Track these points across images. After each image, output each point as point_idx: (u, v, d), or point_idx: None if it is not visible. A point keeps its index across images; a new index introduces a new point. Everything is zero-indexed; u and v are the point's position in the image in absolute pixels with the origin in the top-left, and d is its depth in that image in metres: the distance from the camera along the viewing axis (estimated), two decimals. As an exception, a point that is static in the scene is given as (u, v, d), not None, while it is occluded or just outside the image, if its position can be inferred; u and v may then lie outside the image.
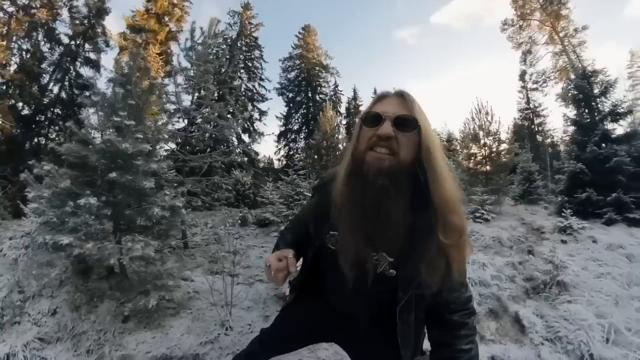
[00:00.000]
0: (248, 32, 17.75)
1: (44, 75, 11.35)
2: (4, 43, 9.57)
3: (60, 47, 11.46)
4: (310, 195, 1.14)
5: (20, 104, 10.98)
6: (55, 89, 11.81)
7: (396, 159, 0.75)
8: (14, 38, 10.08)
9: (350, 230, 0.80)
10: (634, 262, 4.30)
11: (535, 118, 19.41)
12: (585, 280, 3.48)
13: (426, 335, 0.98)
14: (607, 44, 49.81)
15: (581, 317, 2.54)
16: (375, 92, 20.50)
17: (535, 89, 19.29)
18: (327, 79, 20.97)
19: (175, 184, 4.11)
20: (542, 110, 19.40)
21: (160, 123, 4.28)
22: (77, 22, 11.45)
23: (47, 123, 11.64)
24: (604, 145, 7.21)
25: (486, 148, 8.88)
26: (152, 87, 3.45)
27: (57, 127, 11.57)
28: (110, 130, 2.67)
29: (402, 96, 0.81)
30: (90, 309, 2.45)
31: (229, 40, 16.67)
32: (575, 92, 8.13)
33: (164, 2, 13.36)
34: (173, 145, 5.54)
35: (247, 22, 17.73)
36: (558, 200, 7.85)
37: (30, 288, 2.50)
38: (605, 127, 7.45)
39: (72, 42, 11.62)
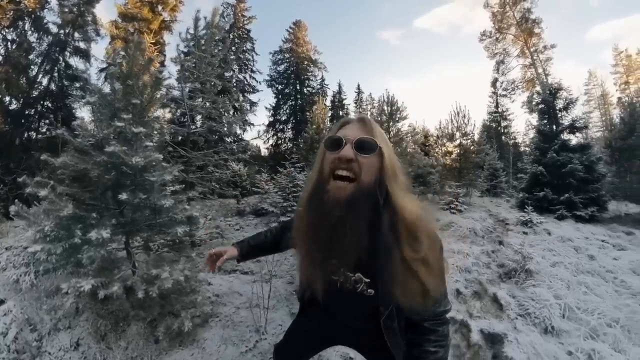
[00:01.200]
0: (241, 25, 17.16)
1: (32, 66, 10.33)
2: None
3: (49, 36, 10.45)
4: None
5: (8, 98, 10.05)
6: (45, 81, 10.80)
7: (357, 184, 0.73)
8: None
9: (306, 255, 0.83)
10: (580, 253, 5.00)
11: (502, 121, 21.04)
12: (544, 268, 4.08)
13: None
14: (568, 62, 54.14)
15: (544, 297, 3.06)
16: (358, 87, 20.89)
17: (504, 96, 20.94)
18: (314, 73, 20.99)
19: (182, 185, 3.20)
20: (509, 114, 21.13)
21: (161, 119, 3.77)
22: (66, 9, 10.42)
23: (37, 117, 10.69)
24: (562, 152, 8.03)
25: (461, 147, 9.52)
26: (158, 80, 2.69)
27: (47, 121, 10.71)
28: (113, 137, 2.12)
29: (362, 121, 0.81)
30: (119, 334, 2.08)
31: (222, 32, 16.09)
32: (542, 105, 8.85)
33: None
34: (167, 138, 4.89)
35: (240, 14, 17.10)
36: (519, 196, 8.69)
37: (43, 324, 2.09)
38: (564, 137, 8.34)
39: (61, 31, 10.60)
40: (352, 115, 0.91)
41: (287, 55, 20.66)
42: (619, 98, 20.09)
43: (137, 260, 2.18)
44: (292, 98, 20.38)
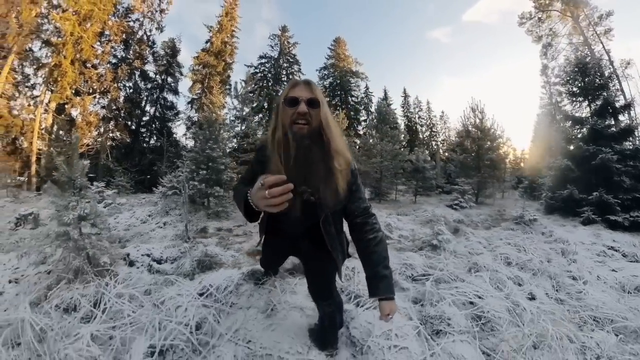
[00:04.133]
0: (287, 51, 19.16)
1: (142, 102, 14.87)
2: (115, 85, 13.00)
3: (151, 82, 14.83)
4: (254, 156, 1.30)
5: (129, 122, 14.60)
6: (151, 110, 15.43)
7: (310, 127, 0.99)
8: (121, 79, 13.37)
9: (290, 174, 0.94)
10: (564, 256, 3.89)
11: (556, 113, 15.74)
12: (462, 250, 3.65)
13: (349, 242, 1.30)
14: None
15: (411, 262, 2.89)
16: (404, 91, 20.34)
17: (558, 84, 15.86)
18: (358, 84, 21.19)
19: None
20: (565, 105, 15.58)
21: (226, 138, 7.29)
22: (159, 62, 14.62)
23: (148, 133, 15.42)
24: (598, 140, 6.17)
25: (474, 143, 8.49)
26: (221, 127, 6.76)
27: (154, 137, 15.21)
28: (208, 148, 5.81)
29: (309, 84, 1.03)
30: (195, 213, 5.32)
31: (272, 60, 18.47)
32: (569, 84, 7.16)
33: (218, 43, 16.01)
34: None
35: (285, 42, 19.13)
36: (543, 196, 7.21)
37: (170, 207, 5.46)
38: (598, 122, 6.34)
39: (158, 77, 14.90)
40: (299, 78, 1.20)
41: (331, 71, 21.52)
42: None
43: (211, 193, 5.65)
44: (338, 108, 21.05)
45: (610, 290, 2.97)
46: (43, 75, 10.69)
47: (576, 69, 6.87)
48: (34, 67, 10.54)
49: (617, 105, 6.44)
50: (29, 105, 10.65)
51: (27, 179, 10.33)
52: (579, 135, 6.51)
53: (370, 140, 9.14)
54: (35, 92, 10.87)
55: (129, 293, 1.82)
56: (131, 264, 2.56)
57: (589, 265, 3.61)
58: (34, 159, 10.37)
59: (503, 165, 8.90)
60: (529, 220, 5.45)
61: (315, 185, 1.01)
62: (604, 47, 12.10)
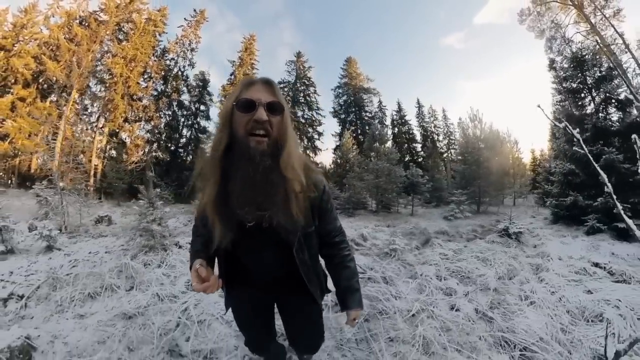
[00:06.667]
0: (303, 75, 19.87)
1: (180, 127, 16.74)
2: (157, 114, 14.89)
3: (186, 110, 16.68)
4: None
5: (169, 144, 16.41)
6: (187, 134, 17.26)
7: (270, 139, 0.74)
8: (162, 109, 15.29)
9: (243, 200, 0.76)
10: (536, 273, 3.33)
11: (573, 110, 13.58)
12: (412, 259, 3.56)
13: (327, 276, 1.07)
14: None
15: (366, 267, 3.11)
16: (418, 102, 19.58)
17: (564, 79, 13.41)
18: (370, 99, 21.06)
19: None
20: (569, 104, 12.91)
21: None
22: (192, 93, 16.51)
23: (185, 153, 17.06)
24: (599, 140, 5.25)
25: (469, 153, 7.77)
26: None
27: (190, 156, 16.91)
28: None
29: (269, 84, 0.78)
30: None
31: (289, 85, 19.39)
32: (568, 80, 6.27)
33: (240, 76, 17.46)
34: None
35: (301, 66, 19.88)
36: (547, 204, 6.32)
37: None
38: (600, 119, 5.52)
39: (192, 105, 16.72)
40: (256, 76, 0.87)
41: (344, 89, 21.65)
42: None
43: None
44: (353, 124, 21.08)
45: (564, 316, 2.31)
46: (98, 106, 12.62)
47: (573, 64, 6.08)
48: (91, 99, 12.50)
49: (623, 97, 5.54)
50: (87, 129, 12.58)
51: (86, 189, 12.14)
52: (584, 134, 5.69)
53: (364, 159, 9.26)
54: (92, 119, 12.93)
55: (179, 258, 3.20)
56: (180, 247, 3.91)
57: (558, 285, 3.00)
58: (92, 172, 12.10)
59: (511, 171, 8.08)
60: (514, 234, 4.80)
61: (274, 211, 0.78)
62: (615, 30, 10.25)
